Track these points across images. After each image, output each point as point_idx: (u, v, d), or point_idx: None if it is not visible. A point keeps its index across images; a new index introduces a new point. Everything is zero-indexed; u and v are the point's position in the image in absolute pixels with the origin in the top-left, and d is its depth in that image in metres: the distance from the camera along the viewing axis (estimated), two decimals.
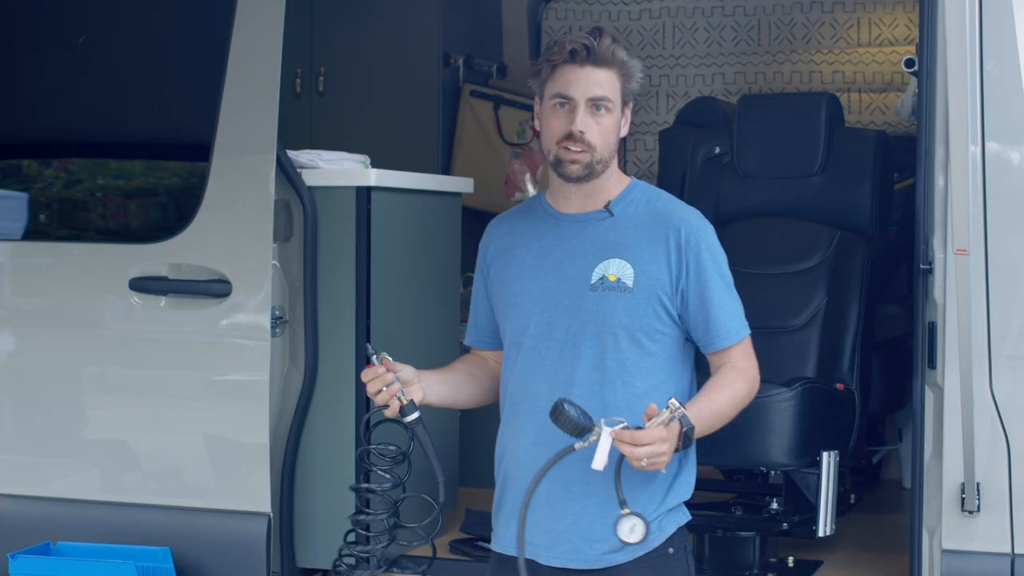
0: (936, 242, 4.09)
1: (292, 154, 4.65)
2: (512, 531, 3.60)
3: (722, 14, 6.81)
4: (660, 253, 3.53)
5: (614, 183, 3.64)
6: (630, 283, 3.52)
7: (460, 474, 5.18)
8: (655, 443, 3.26)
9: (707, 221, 3.62)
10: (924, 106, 4.14)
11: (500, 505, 3.72)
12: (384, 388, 3.56)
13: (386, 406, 3.60)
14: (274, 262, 4.57)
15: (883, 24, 6.62)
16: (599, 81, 3.52)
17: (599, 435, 3.29)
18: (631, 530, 3.34)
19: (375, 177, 4.69)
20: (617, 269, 3.54)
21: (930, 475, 4.14)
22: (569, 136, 3.53)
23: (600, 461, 3.29)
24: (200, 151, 4.61)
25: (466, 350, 3.97)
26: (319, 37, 6.45)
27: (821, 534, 4.68)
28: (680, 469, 3.59)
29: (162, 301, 4.66)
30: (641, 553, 3.52)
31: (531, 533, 3.53)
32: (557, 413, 3.30)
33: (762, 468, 4.86)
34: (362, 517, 3.93)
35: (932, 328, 4.11)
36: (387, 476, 3.81)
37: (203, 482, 4.64)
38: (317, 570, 4.78)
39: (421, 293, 5.01)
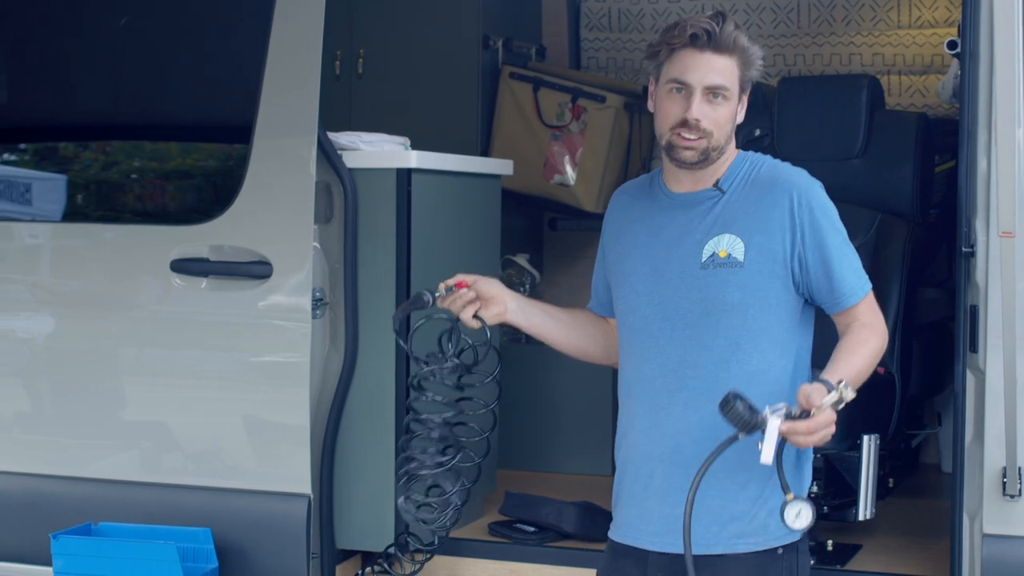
0: (979, 225, 4.06)
1: (333, 136, 4.65)
2: (631, 519, 3.54)
3: None
4: (773, 221, 3.43)
5: (726, 162, 3.54)
6: (741, 257, 3.42)
7: (499, 456, 5.17)
8: (829, 426, 3.20)
9: (814, 178, 3.51)
10: (967, 88, 4.09)
11: (619, 492, 3.61)
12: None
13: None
14: (315, 244, 4.57)
15: (923, 6, 6.59)
16: (718, 68, 3.41)
17: (764, 427, 3.20)
18: (797, 515, 3.26)
19: (415, 159, 4.69)
20: (728, 244, 3.44)
21: (971, 459, 4.11)
22: (684, 123, 3.43)
23: (768, 455, 3.19)
24: (241, 133, 4.62)
25: None
26: (359, 19, 6.45)
27: (861, 518, 4.66)
28: (797, 468, 3.49)
29: (203, 283, 4.67)
30: (751, 550, 3.43)
31: (644, 520, 3.49)
32: (727, 407, 3.19)
33: None
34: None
35: (974, 311, 4.08)
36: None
37: (243, 463, 4.65)
38: (356, 552, 4.79)
39: None
